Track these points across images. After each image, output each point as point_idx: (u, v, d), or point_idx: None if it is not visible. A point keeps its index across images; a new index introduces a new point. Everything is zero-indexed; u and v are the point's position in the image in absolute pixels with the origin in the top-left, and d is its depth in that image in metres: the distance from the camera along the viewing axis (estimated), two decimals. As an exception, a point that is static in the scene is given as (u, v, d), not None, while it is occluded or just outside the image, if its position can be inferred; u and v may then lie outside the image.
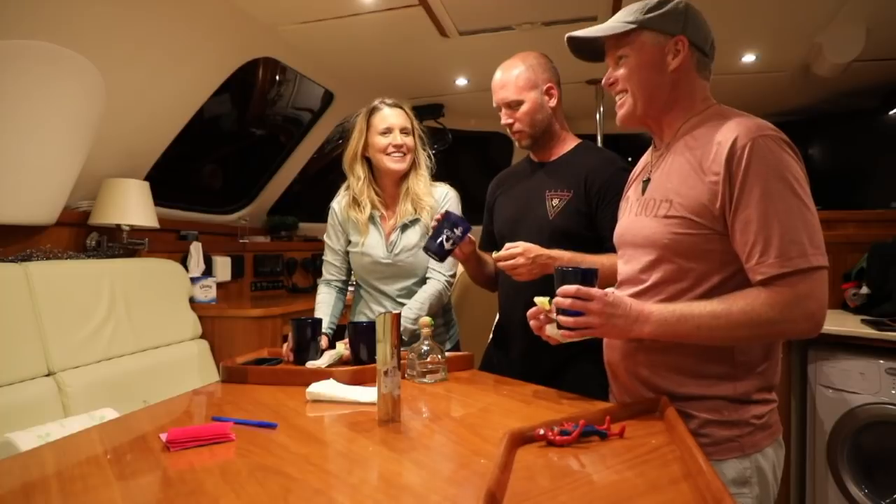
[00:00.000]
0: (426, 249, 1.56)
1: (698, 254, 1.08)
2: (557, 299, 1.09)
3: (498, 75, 1.63)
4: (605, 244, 1.45)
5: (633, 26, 1.14)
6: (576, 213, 1.57)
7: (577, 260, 1.45)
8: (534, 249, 1.42)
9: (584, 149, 1.68)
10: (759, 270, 1.00)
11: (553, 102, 1.63)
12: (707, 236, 1.06)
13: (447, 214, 1.54)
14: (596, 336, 1.10)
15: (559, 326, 1.11)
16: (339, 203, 1.93)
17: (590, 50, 1.24)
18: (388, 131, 1.82)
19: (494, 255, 1.47)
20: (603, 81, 1.23)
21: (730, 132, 1.04)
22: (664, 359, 1.14)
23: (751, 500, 1.08)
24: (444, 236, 1.52)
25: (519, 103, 1.60)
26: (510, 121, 1.62)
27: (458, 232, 1.52)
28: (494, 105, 1.65)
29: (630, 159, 1.62)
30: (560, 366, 1.56)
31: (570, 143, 1.68)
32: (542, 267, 1.42)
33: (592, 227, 1.56)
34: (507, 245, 1.45)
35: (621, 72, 1.18)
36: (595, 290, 1.06)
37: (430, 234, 1.56)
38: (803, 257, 0.98)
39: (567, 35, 1.23)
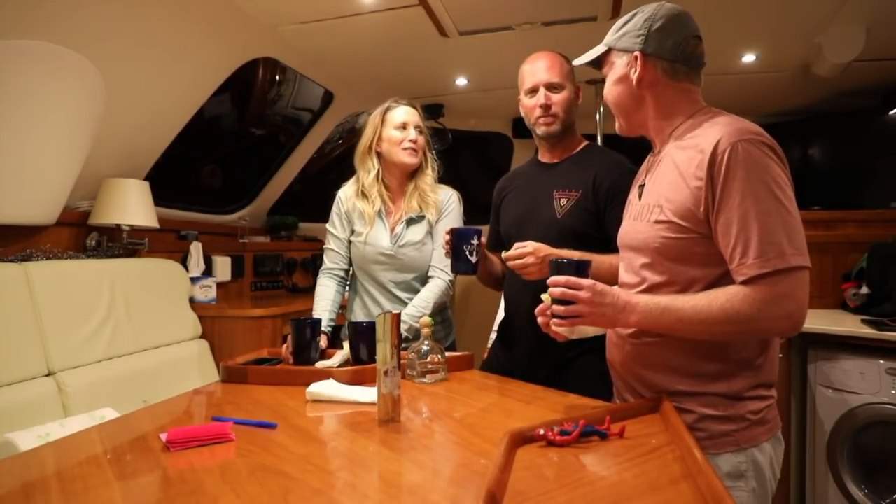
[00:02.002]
0: (456, 272, 1.57)
1: (687, 257, 1.11)
2: (550, 289, 1.10)
3: (539, 60, 1.63)
4: (611, 244, 1.46)
5: (604, 49, 1.23)
6: (584, 213, 1.58)
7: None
8: (543, 249, 1.43)
9: (592, 150, 1.69)
10: (740, 271, 1.03)
11: (578, 102, 1.66)
12: (695, 240, 1.09)
13: (455, 232, 1.54)
14: (586, 325, 1.11)
15: (553, 316, 1.11)
16: (345, 192, 1.96)
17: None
18: (404, 126, 1.88)
19: (504, 254, 1.48)
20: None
21: (712, 137, 1.06)
22: (661, 357, 1.16)
23: (746, 494, 1.09)
24: (466, 252, 1.52)
25: (561, 87, 1.61)
26: (548, 102, 1.60)
27: (475, 242, 1.53)
28: (530, 86, 1.63)
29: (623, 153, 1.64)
30: (564, 363, 1.56)
31: (578, 145, 1.70)
32: None
33: (600, 228, 1.57)
34: (517, 244, 1.46)
35: (605, 90, 1.26)
36: (584, 280, 1.08)
37: (449, 256, 1.55)
38: (781, 258, 1.00)
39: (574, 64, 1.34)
